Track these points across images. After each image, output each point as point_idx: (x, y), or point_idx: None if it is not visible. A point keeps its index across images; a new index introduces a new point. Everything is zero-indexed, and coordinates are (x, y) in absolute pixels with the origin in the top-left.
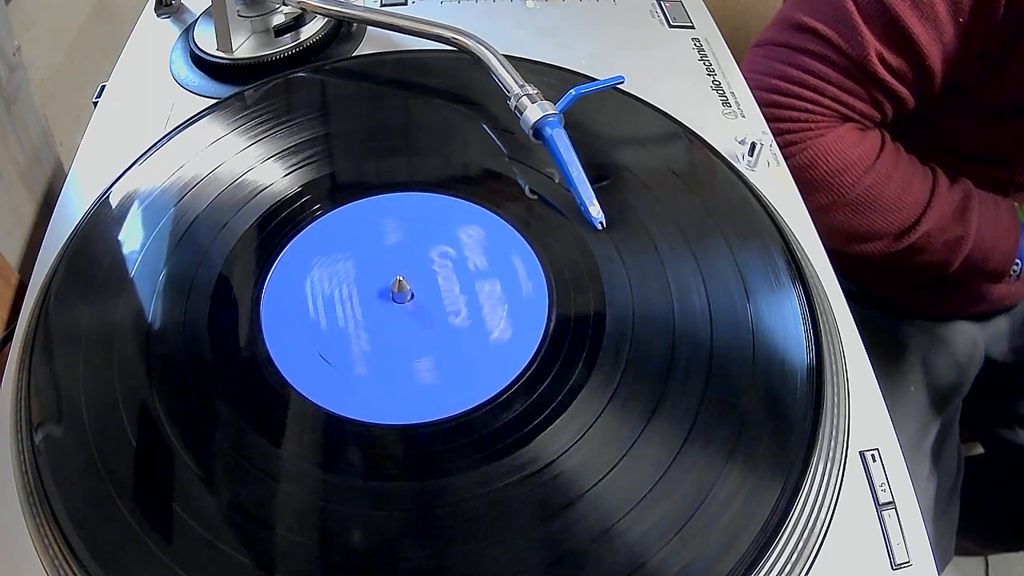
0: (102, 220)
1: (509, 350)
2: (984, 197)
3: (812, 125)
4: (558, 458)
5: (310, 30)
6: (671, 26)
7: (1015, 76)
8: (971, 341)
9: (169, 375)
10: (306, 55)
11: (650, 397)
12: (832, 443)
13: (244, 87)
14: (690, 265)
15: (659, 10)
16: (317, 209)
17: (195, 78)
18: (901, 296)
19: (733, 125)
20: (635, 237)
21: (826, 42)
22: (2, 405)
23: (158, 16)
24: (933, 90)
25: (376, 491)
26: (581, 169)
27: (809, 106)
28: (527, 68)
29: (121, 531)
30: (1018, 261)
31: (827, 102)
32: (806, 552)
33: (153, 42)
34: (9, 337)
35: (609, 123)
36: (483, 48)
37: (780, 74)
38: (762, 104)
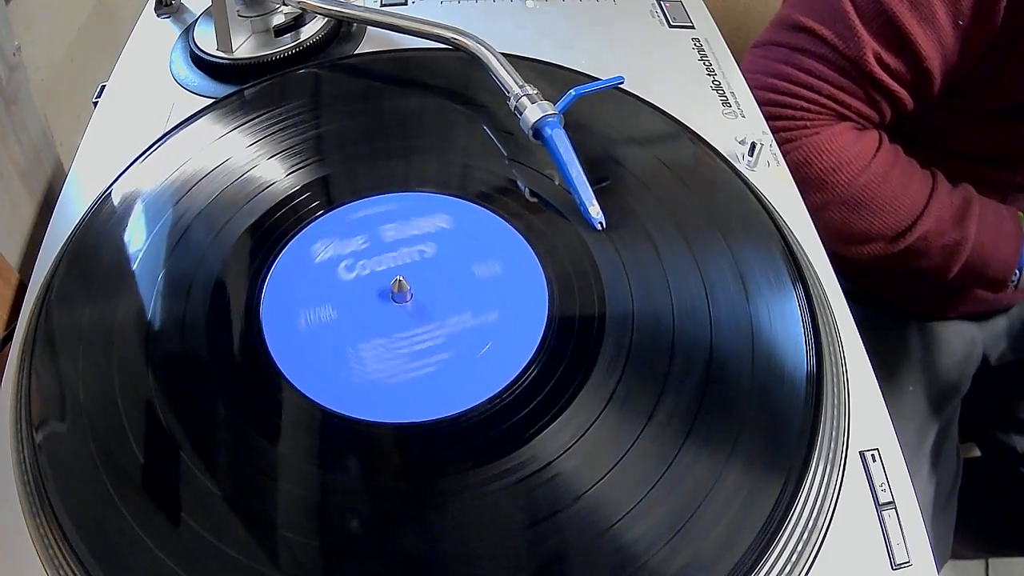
0: (102, 220)
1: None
2: (985, 203)
3: (808, 123)
4: (558, 458)
5: (310, 30)
6: (671, 26)
7: (1015, 78)
8: (970, 341)
9: (169, 374)
10: (306, 55)
11: (650, 397)
12: (832, 443)
13: (244, 86)
14: (690, 265)
15: (659, 10)
16: (317, 208)
17: (195, 78)
18: (900, 297)
19: (733, 125)
20: (635, 237)
21: (823, 42)
22: (2, 405)
23: (158, 16)
24: (932, 91)
25: (376, 490)
26: (581, 169)
27: (805, 104)
28: (527, 68)
29: (121, 531)
30: (1017, 271)
31: (823, 100)
32: (806, 552)
33: (153, 42)
34: (9, 337)
35: (609, 123)
36: (483, 48)
37: (777, 73)
38: (760, 103)
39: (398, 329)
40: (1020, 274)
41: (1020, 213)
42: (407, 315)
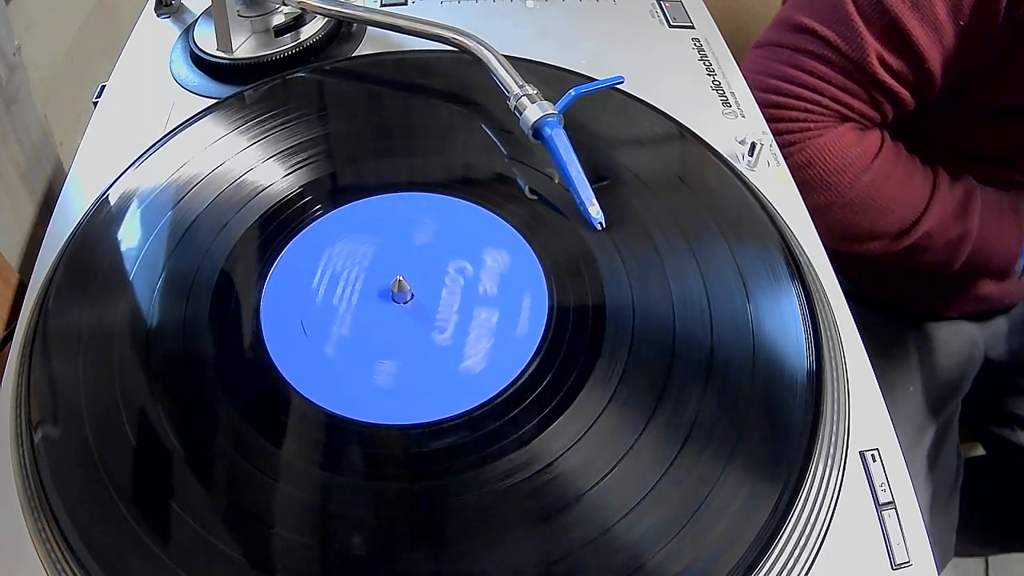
0: (102, 220)
1: (508, 351)
2: (987, 194)
3: (811, 125)
4: (558, 458)
5: (310, 30)
6: (671, 26)
7: (1015, 79)
8: (970, 341)
9: (169, 375)
10: (306, 55)
11: (650, 397)
12: (832, 443)
13: (244, 87)
14: (690, 265)
15: (659, 10)
16: (317, 209)
17: (195, 78)
18: (901, 297)
19: (733, 125)
20: (635, 237)
21: (825, 43)
22: (2, 405)
23: (158, 16)
24: (933, 91)
25: (376, 491)
26: (580, 169)
27: (808, 106)
28: (527, 68)
29: (121, 531)
30: (1022, 258)
31: (826, 102)
32: (806, 552)
33: (153, 42)
34: (9, 337)
35: (609, 123)
36: (483, 48)
37: (779, 74)
38: (761, 105)
39: (398, 329)
40: None
41: (1022, 200)
42: (407, 315)
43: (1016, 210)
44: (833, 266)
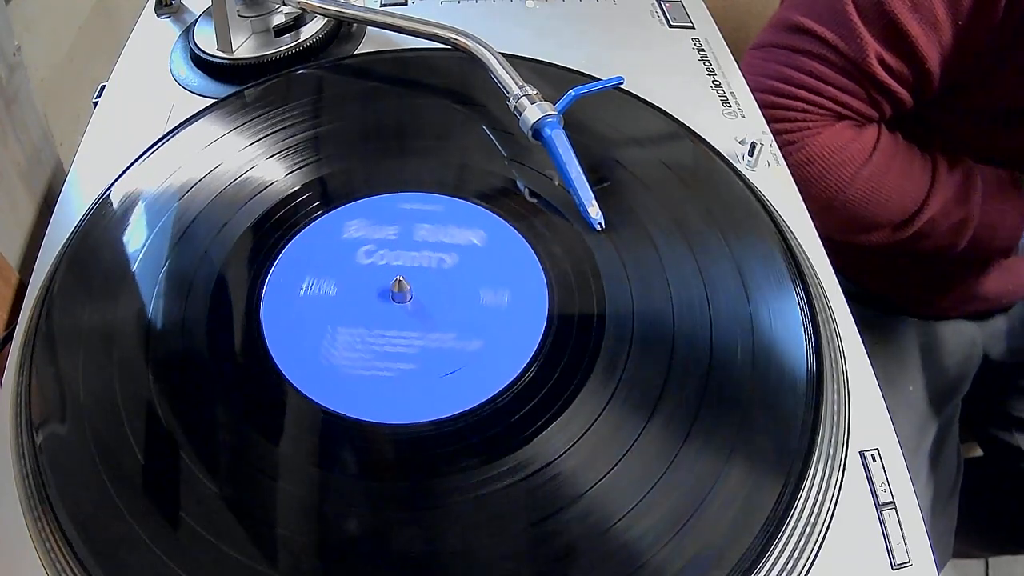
0: (102, 220)
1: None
2: (987, 175)
3: (809, 124)
4: (558, 458)
5: (310, 30)
6: (671, 26)
7: (1013, 79)
8: (969, 340)
9: (169, 374)
10: (306, 55)
11: (650, 397)
12: (832, 443)
13: (244, 87)
14: (690, 265)
15: (659, 10)
16: (317, 208)
17: (195, 78)
18: (901, 296)
19: (733, 125)
20: (635, 238)
21: (824, 43)
22: (2, 405)
23: (158, 16)
24: (931, 91)
25: (376, 491)
26: (580, 170)
27: (806, 106)
28: (527, 68)
29: (121, 531)
30: None
31: (824, 102)
32: (806, 552)
33: (153, 42)
34: (9, 337)
35: (609, 123)
36: (482, 48)
37: (777, 75)
38: (761, 105)
39: (398, 329)
40: None
41: (1021, 176)
42: (407, 315)
43: (1017, 188)
44: (833, 266)
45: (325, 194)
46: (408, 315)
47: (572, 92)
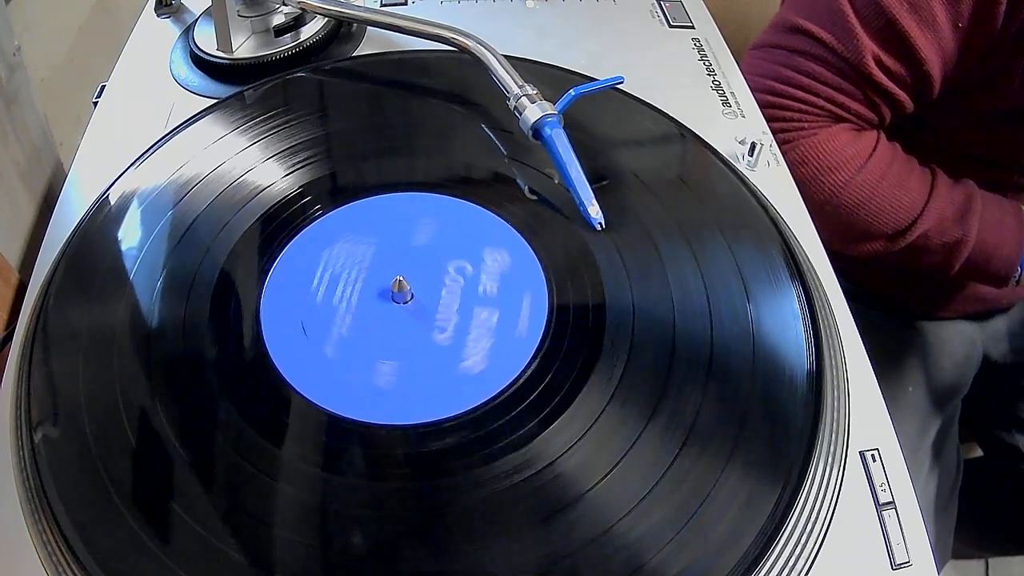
0: (102, 220)
1: (508, 351)
2: (988, 199)
3: (804, 124)
4: (558, 458)
5: (310, 30)
6: (671, 26)
7: (1014, 82)
8: (969, 341)
9: (169, 375)
10: (306, 55)
11: (650, 397)
12: (832, 443)
13: (244, 87)
14: (690, 265)
15: (659, 10)
16: (317, 209)
17: (195, 78)
18: (901, 297)
19: (733, 125)
20: (635, 237)
21: (822, 44)
22: (2, 405)
23: (158, 16)
24: (931, 94)
25: (375, 491)
26: (580, 169)
27: (803, 106)
28: (527, 68)
29: (121, 531)
30: (1020, 267)
31: (821, 102)
32: (806, 552)
33: (153, 42)
34: (9, 337)
35: (609, 123)
36: (483, 48)
37: (775, 75)
38: (760, 105)
39: (398, 329)
40: (1022, 271)
41: (1022, 207)
42: (407, 315)
43: (1017, 217)
44: (833, 266)
45: (326, 194)
46: (408, 315)
47: (572, 92)
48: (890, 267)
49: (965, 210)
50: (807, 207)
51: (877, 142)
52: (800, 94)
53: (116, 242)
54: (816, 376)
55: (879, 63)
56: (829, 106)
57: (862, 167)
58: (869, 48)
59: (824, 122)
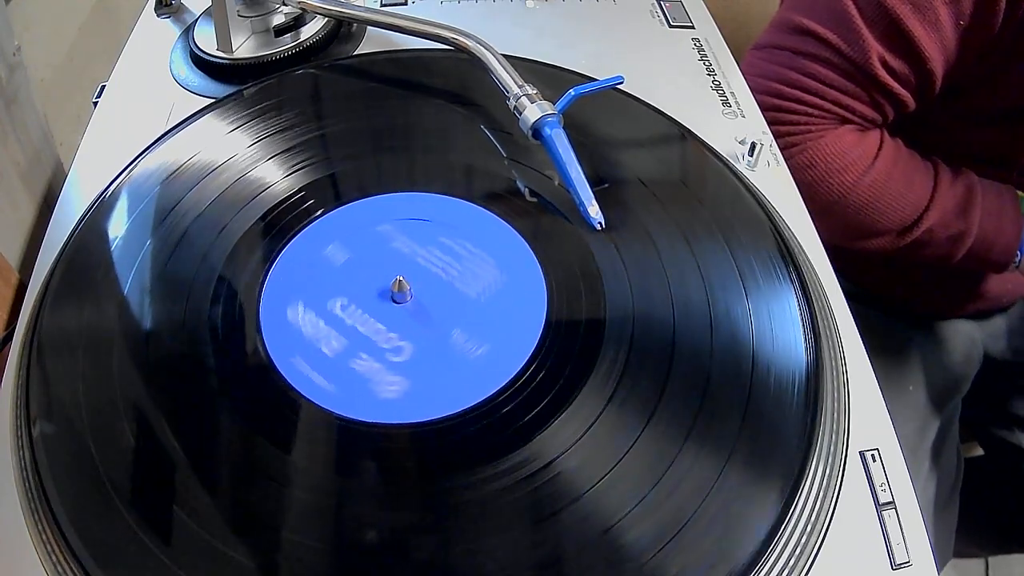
0: (102, 220)
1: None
2: (987, 189)
3: (811, 127)
4: (557, 458)
5: (310, 30)
6: (671, 26)
7: (1015, 80)
8: (969, 340)
9: (168, 375)
10: (306, 55)
11: (649, 397)
12: (832, 443)
13: (244, 86)
14: (690, 265)
15: (659, 10)
16: (317, 210)
17: (195, 78)
18: (900, 296)
19: (733, 125)
20: (634, 238)
21: (827, 45)
22: (2, 405)
23: (158, 16)
24: (934, 92)
25: (374, 491)
26: (580, 170)
27: (809, 109)
28: (527, 68)
29: (121, 531)
30: (1019, 252)
31: (827, 105)
32: (806, 552)
33: (153, 42)
34: (9, 337)
35: (609, 124)
36: (482, 48)
37: (780, 77)
38: (762, 107)
39: (399, 329)
40: (1022, 256)
41: (1021, 194)
42: (407, 315)
43: (1016, 204)
44: (833, 266)
45: (326, 195)
46: (408, 315)
47: (572, 91)
48: (891, 262)
49: (967, 202)
50: (813, 208)
51: (882, 141)
52: (806, 97)
53: (116, 242)
54: (816, 376)
55: (884, 64)
56: (835, 108)
57: (869, 167)
58: (875, 49)
59: (830, 124)
